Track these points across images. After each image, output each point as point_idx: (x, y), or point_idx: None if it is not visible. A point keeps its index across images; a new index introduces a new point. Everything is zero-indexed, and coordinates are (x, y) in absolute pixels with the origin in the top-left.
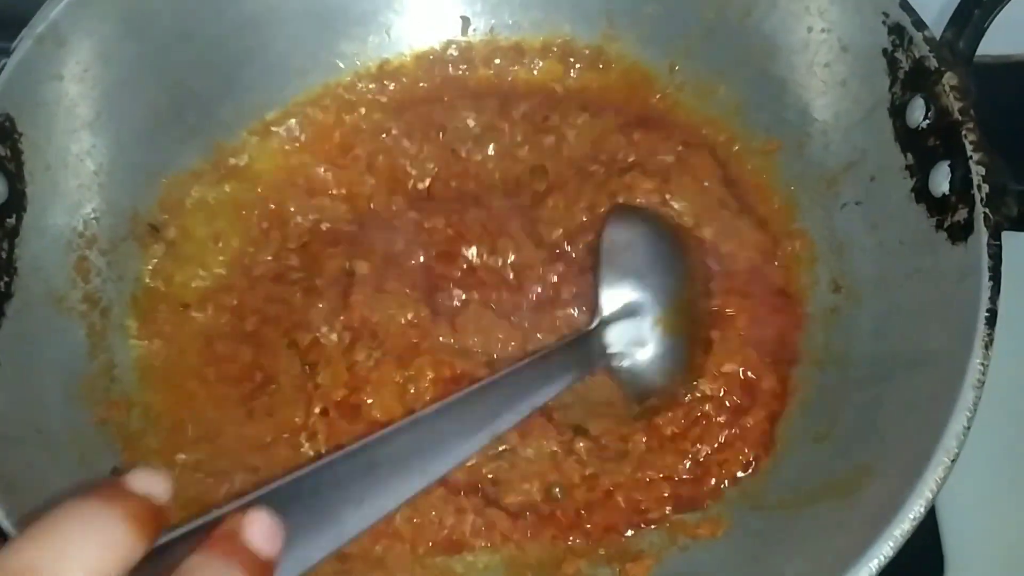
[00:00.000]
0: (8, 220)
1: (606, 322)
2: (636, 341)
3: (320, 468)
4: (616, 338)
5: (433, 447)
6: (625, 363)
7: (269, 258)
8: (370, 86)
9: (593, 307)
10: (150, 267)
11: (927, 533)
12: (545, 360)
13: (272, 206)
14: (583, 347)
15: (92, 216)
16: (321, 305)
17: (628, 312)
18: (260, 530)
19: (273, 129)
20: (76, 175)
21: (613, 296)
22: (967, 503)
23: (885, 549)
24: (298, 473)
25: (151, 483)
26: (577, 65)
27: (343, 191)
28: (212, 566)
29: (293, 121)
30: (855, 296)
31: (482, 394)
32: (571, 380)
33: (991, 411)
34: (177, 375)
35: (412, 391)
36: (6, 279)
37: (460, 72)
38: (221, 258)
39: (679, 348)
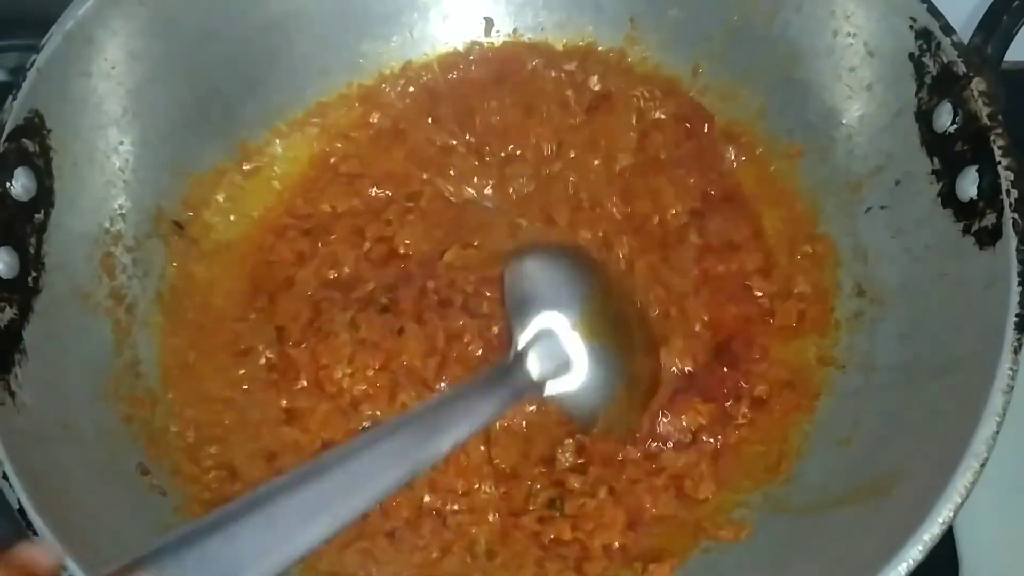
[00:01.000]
0: (36, 216)
1: (523, 351)
2: (555, 356)
3: (214, 523)
4: (536, 362)
5: (345, 490)
6: (559, 387)
7: (293, 258)
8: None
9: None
10: (175, 264)
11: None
12: (463, 395)
13: (296, 204)
14: (501, 377)
15: (118, 213)
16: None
17: (541, 333)
18: None
19: (297, 128)
20: (103, 172)
21: (523, 325)
22: (982, 507)
23: (914, 553)
24: (192, 527)
25: (40, 557)
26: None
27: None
28: None
29: (317, 120)
30: (880, 301)
31: (397, 431)
32: (492, 412)
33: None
34: (202, 372)
35: None
36: (34, 274)
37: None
38: (245, 256)
39: (604, 356)
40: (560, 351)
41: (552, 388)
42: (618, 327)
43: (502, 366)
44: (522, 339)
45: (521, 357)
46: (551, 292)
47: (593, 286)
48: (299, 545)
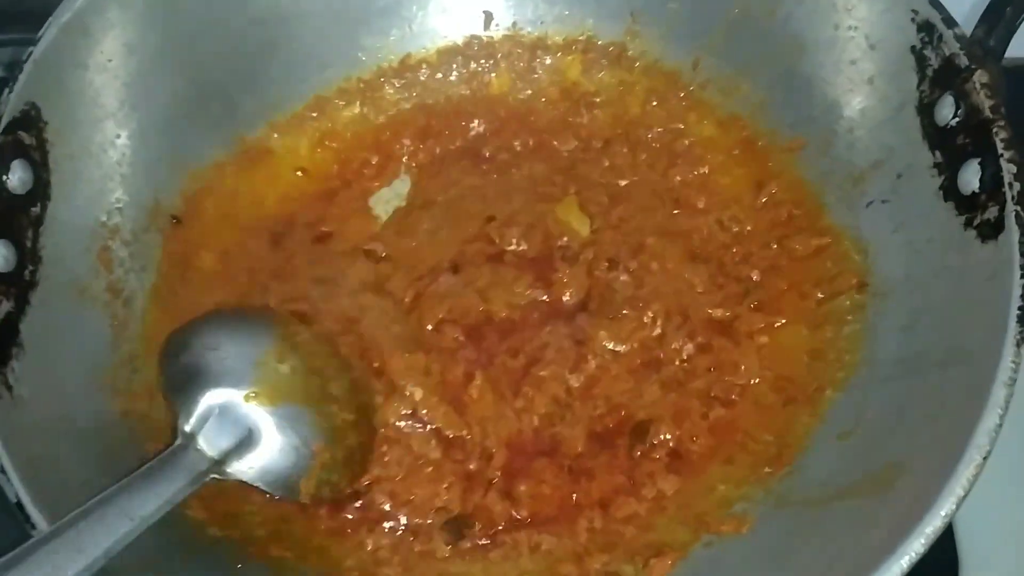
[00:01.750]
0: (33, 209)
1: (192, 433)
2: (234, 430)
3: None
4: (209, 440)
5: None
6: (247, 464)
7: (291, 252)
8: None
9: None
10: (173, 258)
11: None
12: (124, 488)
13: (294, 199)
14: (167, 465)
15: (115, 206)
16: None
17: (210, 409)
18: None
19: (295, 122)
20: (100, 165)
21: (185, 402)
22: (982, 504)
23: (917, 546)
24: None
25: None
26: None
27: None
28: None
29: (315, 114)
30: (882, 294)
31: (60, 534)
32: (164, 504)
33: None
34: None
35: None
36: (31, 268)
37: (481, 66)
38: (242, 250)
39: (294, 416)
40: (239, 423)
41: (239, 466)
42: (306, 382)
43: (168, 452)
44: (188, 423)
45: (191, 438)
46: (217, 364)
47: (267, 346)
48: None
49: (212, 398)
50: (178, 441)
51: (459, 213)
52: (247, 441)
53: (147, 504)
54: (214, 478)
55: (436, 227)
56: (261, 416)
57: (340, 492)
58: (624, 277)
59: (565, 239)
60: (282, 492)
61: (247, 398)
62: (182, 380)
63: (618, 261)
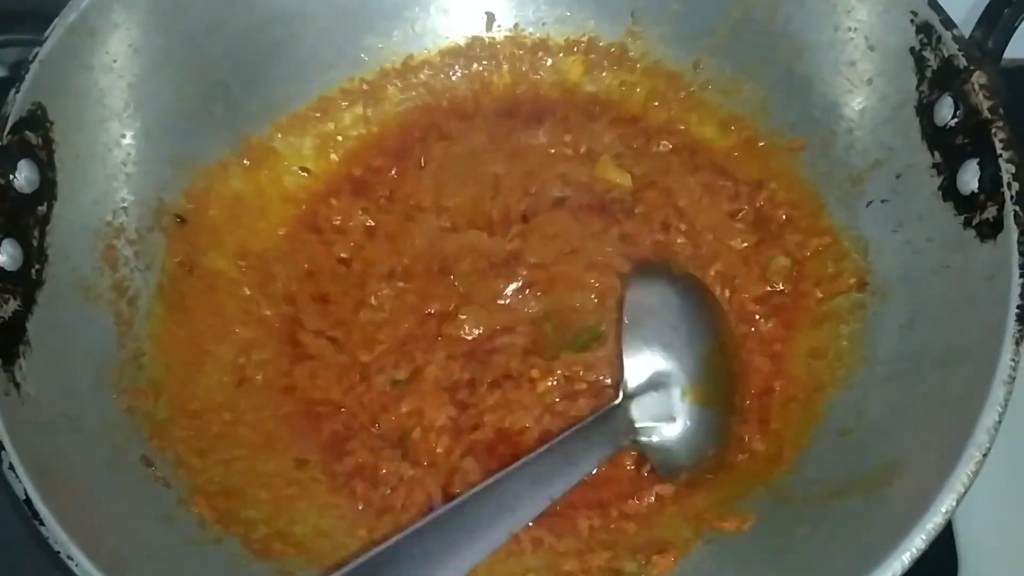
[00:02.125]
0: (39, 208)
1: (631, 395)
2: (663, 415)
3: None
4: (642, 412)
5: (452, 547)
6: (654, 438)
7: (296, 252)
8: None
9: (618, 378)
10: (177, 258)
11: (942, 534)
12: (571, 442)
13: (299, 199)
14: (609, 424)
15: (120, 206)
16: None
17: (654, 383)
18: None
19: (299, 123)
20: (105, 165)
21: (638, 366)
22: (981, 504)
23: (917, 542)
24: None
25: None
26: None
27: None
28: None
29: (319, 115)
30: (881, 294)
31: (506, 483)
32: (598, 461)
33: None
34: (204, 365)
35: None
36: (37, 267)
37: (483, 67)
38: (247, 250)
39: (709, 419)
40: (668, 406)
41: (648, 435)
42: (727, 391)
43: (610, 407)
44: (632, 383)
45: (629, 400)
46: (673, 340)
47: (714, 340)
48: None
49: (661, 373)
50: (619, 399)
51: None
52: (664, 420)
53: (587, 457)
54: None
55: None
56: (686, 408)
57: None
58: (680, 239)
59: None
60: (666, 473)
61: (684, 392)
62: (645, 344)
63: (669, 223)
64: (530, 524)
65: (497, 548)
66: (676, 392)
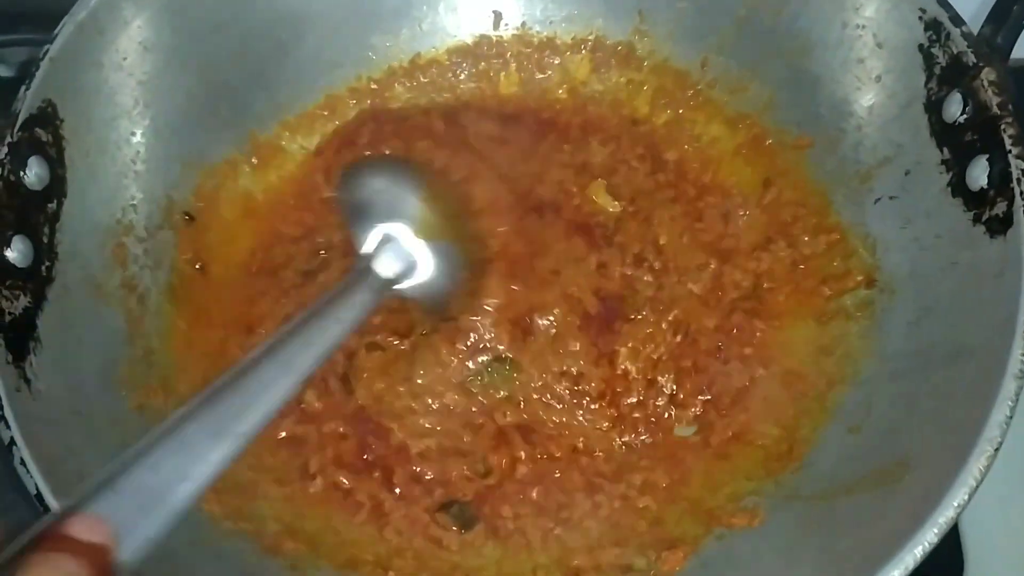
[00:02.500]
0: (50, 205)
1: (370, 256)
2: (402, 258)
3: (133, 455)
4: (385, 264)
5: (240, 409)
6: (408, 285)
7: (303, 250)
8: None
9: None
10: (187, 256)
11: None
12: (331, 302)
13: (306, 198)
14: (358, 281)
15: (130, 203)
16: None
17: (386, 239)
18: (83, 525)
19: (307, 121)
20: (114, 163)
21: (363, 231)
22: (987, 503)
23: (930, 536)
24: (116, 463)
25: (96, 531)
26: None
27: None
28: (48, 562)
29: (327, 113)
30: (890, 290)
31: (279, 346)
32: (359, 315)
33: None
34: (214, 362)
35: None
36: (47, 263)
37: (490, 66)
38: (256, 248)
39: (449, 250)
40: (406, 253)
41: (404, 284)
42: (455, 221)
43: (356, 272)
44: (366, 246)
45: (368, 259)
46: (389, 203)
47: (423, 189)
48: (211, 465)
49: (385, 229)
50: (360, 263)
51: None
52: (411, 267)
53: (348, 312)
54: (388, 294)
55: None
56: (423, 248)
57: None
58: (647, 278)
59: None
60: (436, 308)
61: (414, 232)
62: (359, 213)
63: (643, 257)
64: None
65: (290, 396)
66: (407, 236)
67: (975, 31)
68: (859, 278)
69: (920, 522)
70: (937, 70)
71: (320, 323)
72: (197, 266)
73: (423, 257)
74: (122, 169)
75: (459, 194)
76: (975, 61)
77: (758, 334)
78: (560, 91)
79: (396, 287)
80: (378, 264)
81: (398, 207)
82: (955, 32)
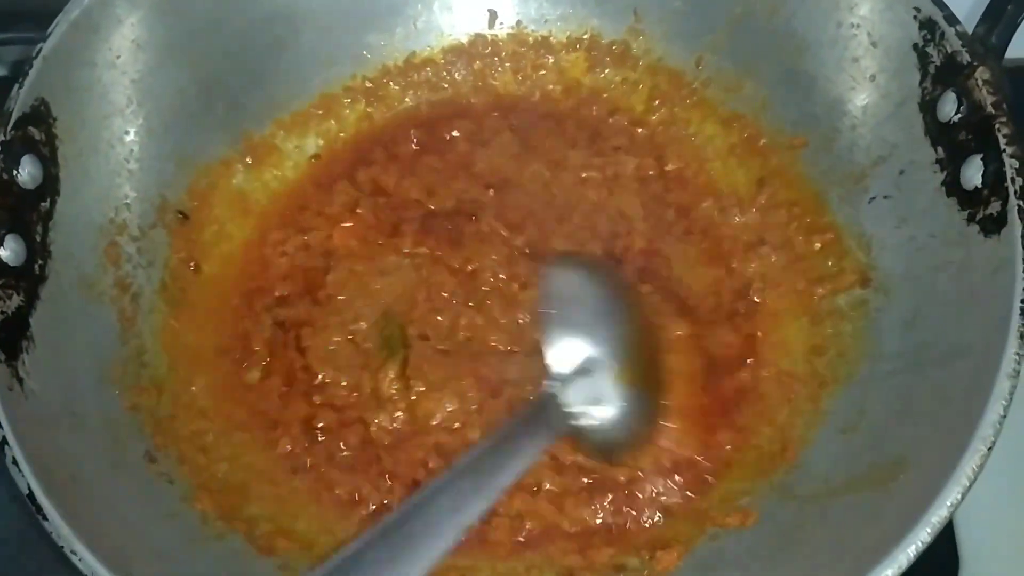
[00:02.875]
0: (43, 204)
1: (559, 381)
2: (595, 399)
3: None
4: (574, 397)
5: (404, 553)
6: (587, 423)
7: (297, 249)
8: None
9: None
10: (180, 255)
11: (942, 533)
12: (509, 435)
13: (299, 196)
14: (542, 413)
15: (123, 202)
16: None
17: (583, 369)
18: None
19: (301, 120)
20: (107, 161)
21: (561, 353)
22: (982, 503)
23: (923, 536)
24: None
25: None
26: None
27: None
28: None
29: (321, 112)
30: (884, 289)
31: (448, 486)
32: (537, 450)
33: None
34: (207, 361)
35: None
36: (40, 262)
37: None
38: (250, 247)
39: (641, 400)
40: (598, 391)
41: (582, 419)
42: (653, 369)
43: (541, 401)
44: (557, 369)
45: (557, 387)
46: (596, 327)
47: (635, 321)
48: None
49: (588, 359)
50: (551, 386)
51: None
52: (596, 403)
53: (530, 444)
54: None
55: None
56: (614, 388)
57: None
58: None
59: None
60: (599, 456)
61: (613, 371)
62: (569, 331)
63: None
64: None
65: (450, 548)
66: (605, 376)
67: (969, 30)
68: (853, 278)
69: (914, 521)
70: (931, 69)
71: (495, 462)
72: (191, 265)
73: (614, 399)
74: (115, 168)
75: (658, 333)
76: (969, 60)
77: (757, 333)
78: (555, 90)
79: (574, 423)
80: (566, 394)
81: (609, 334)
82: (949, 31)
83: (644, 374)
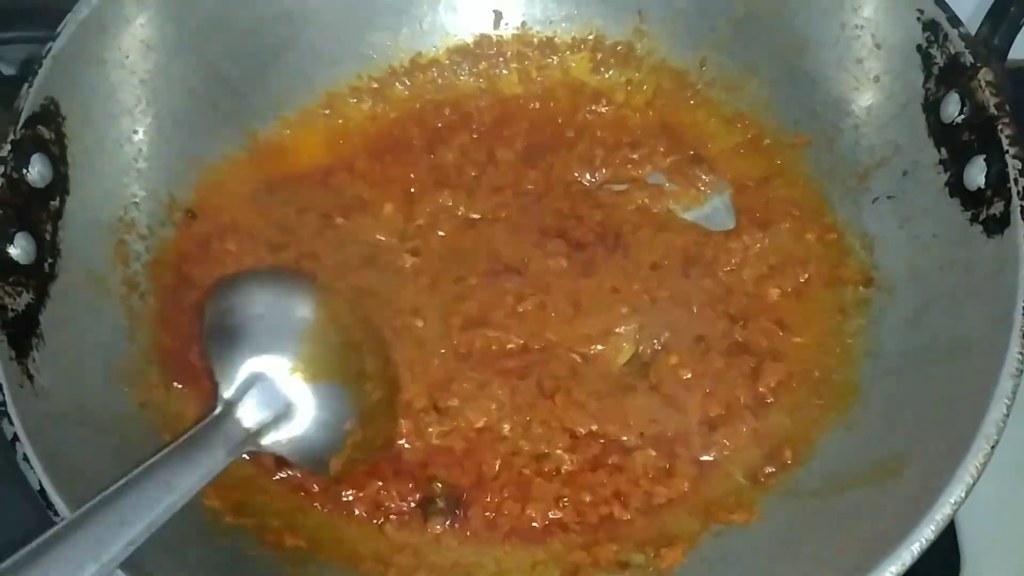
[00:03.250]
0: (52, 202)
1: (232, 401)
2: (273, 403)
3: None
4: (250, 411)
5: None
6: (281, 435)
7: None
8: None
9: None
10: (188, 253)
11: (944, 531)
12: (165, 463)
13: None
14: (208, 436)
15: (132, 201)
16: None
17: (253, 380)
18: None
19: (307, 119)
20: (116, 160)
21: (227, 368)
22: (984, 502)
23: (927, 533)
24: None
25: None
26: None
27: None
28: None
29: (327, 112)
30: (887, 289)
31: (104, 507)
32: (204, 475)
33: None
34: None
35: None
36: (50, 260)
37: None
38: (257, 246)
39: (332, 393)
40: (278, 396)
41: (273, 437)
42: (346, 359)
43: (208, 422)
44: (229, 390)
45: (231, 407)
46: (262, 331)
47: (310, 316)
48: None
49: (255, 366)
50: (218, 410)
51: None
52: (283, 414)
53: (187, 477)
54: (250, 450)
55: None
56: (300, 390)
57: (363, 467)
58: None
59: None
60: (312, 466)
61: (292, 371)
62: (225, 345)
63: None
64: None
65: (116, 561)
66: (281, 376)
67: (973, 31)
68: (856, 277)
69: (917, 519)
70: (935, 70)
71: (150, 487)
72: (197, 264)
73: (302, 401)
74: (124, 167)
75: (361, 314)
76: (973, 61)
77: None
78: (560, 91)
79: (262, 441)
80: (241, 411)
81: (276, 338)
82: (953, 32)
83: (331, 366)
